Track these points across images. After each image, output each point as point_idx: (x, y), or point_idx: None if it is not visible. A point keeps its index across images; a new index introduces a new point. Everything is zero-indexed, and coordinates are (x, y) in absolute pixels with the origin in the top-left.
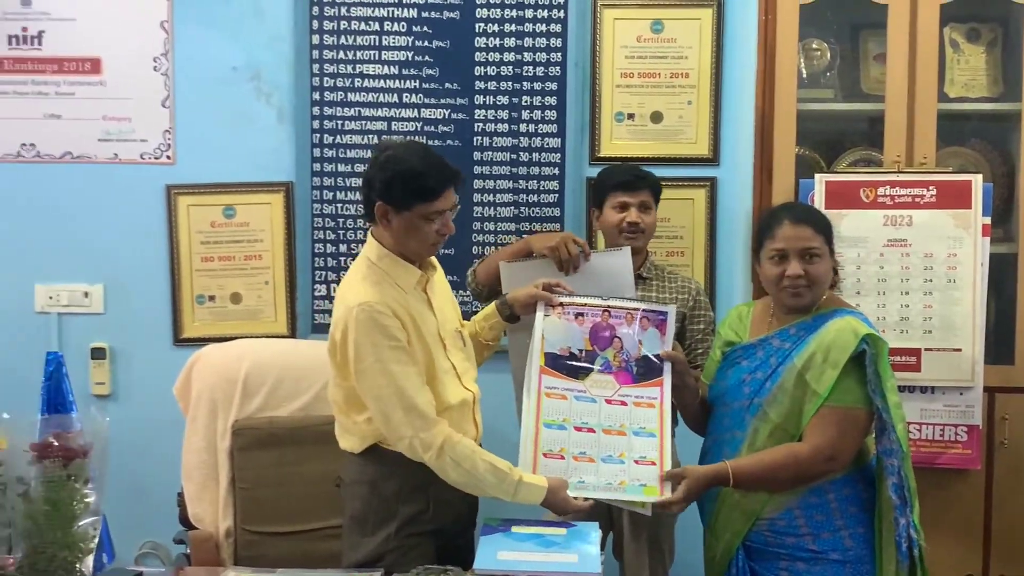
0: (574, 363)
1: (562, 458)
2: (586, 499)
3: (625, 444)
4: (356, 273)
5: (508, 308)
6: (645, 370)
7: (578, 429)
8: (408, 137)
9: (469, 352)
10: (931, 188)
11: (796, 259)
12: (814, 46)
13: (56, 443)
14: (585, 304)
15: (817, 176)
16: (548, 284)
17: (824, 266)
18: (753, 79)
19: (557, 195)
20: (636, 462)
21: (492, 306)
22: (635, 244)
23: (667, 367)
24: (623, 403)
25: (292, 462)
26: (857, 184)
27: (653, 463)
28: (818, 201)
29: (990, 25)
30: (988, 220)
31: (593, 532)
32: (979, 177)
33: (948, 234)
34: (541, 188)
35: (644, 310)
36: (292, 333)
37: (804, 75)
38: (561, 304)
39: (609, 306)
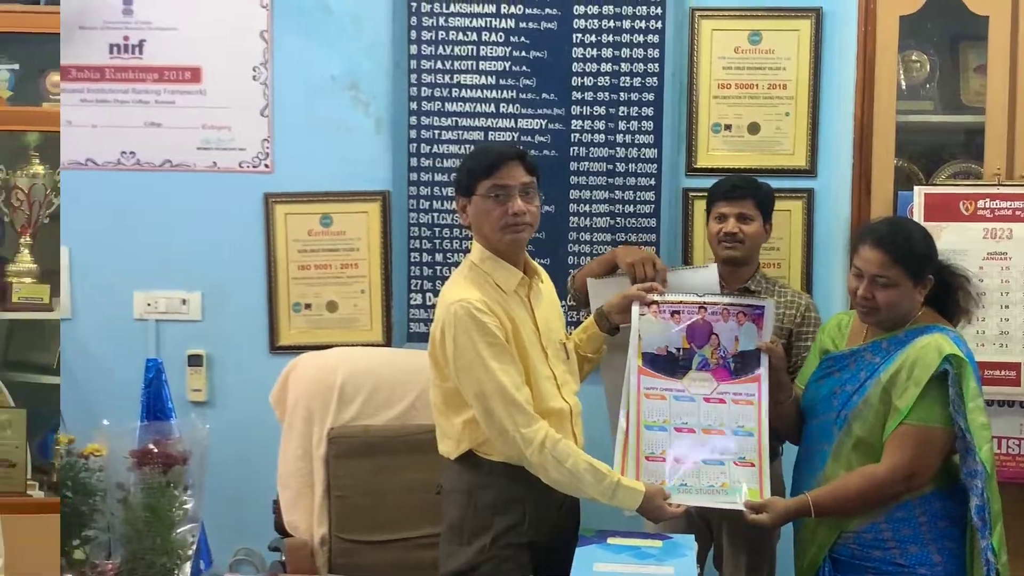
0: (672, 362)
1: (663, 460)
2: (679, 505)
3: (725, 444)
4: (458, 274)
5: (605, 319)
6: (742, 366)
7: (678, 430)
8: None
9: (572, 365)
10: None
11: (868, 281)
12: (913, 57)
13: (156, 450)
14: (680, 302)
15: (916, 188)
16: (643, 284)
17: (896, 295)
18: (852, 90)
19: (653, 206)
20: (736, 463)
21: (591, 319)
22: (732, 255)
23: (764, 362)
24: (722, 400)
25: (387, 470)
26: (957, 197)
27: (752, 464)
28: (917, 214)
29: None
30: None
31: (690, 544)
32: None
33: None
34: (637, 199)
35: (740, 305)
36: (387, 342)
37: (903, 86)
38: (656, 303)
39: (704, 303)
